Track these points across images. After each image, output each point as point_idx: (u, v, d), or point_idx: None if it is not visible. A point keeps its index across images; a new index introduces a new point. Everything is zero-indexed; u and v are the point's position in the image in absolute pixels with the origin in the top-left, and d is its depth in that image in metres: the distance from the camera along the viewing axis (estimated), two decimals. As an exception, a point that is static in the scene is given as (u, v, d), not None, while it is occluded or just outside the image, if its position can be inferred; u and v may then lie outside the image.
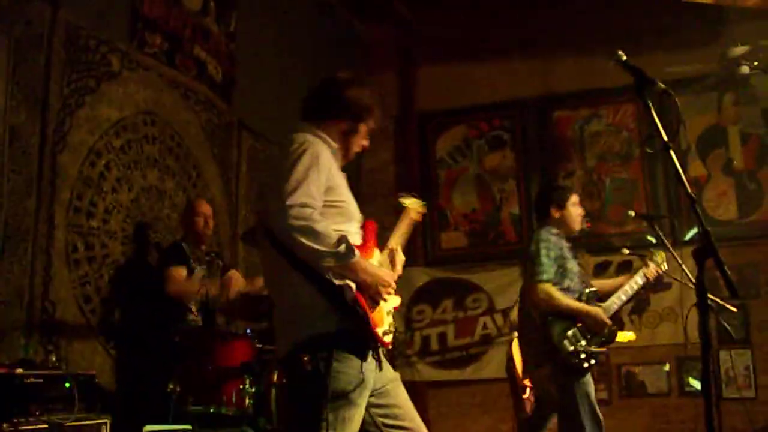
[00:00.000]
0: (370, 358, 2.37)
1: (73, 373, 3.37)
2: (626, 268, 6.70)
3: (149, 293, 4.29)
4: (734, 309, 4.30)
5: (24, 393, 3.11)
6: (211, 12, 5.39)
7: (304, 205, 2.23)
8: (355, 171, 7.35)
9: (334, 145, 2.52)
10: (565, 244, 3.95)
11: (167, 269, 4.19)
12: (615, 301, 3.93)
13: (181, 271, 4.21)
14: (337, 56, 7.15)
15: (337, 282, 2.28)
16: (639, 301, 4.16)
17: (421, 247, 7.46)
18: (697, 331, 1.92)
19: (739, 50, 6.05)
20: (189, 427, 3.63)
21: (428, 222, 7.65)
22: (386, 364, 2.52)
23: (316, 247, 2.21)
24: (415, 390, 7.37)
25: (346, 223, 2.44)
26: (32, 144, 3.86)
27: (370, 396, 2.40)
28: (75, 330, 4.01)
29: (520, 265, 5.65)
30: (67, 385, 3.29)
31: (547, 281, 3.76)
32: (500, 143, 7.77)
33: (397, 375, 2.56)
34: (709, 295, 1.92)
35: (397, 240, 2.74)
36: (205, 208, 4.53)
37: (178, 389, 3.67)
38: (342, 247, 2.24)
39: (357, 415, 2.33)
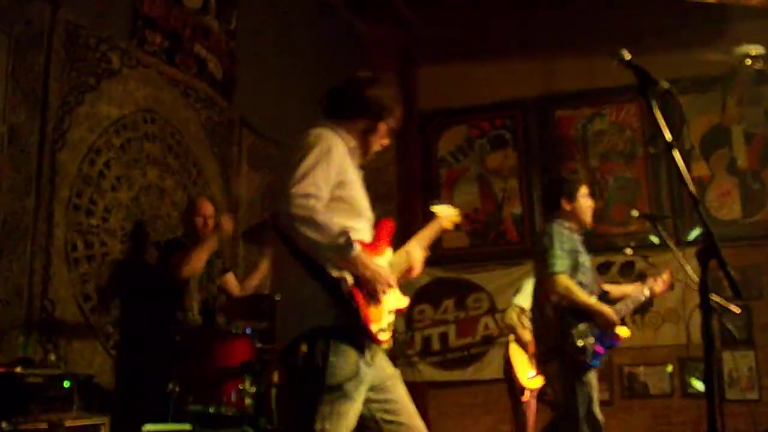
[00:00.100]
0: (367, 353, 2.37)
1: (72, 373, 3.36)
2: (629, 269, 6.71)
3: (149, 292, 4.28)
4: (737, 310, 4.28)
5: (23, 392, 3.11)
6: (211, 10, 5.38)
7: (307, 196, 2.24)
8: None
9: (352, 142, 2.54)
10: (576, 237, 3.94)
11: (174, 254, 4.16)
12: (622, 308, 3.92)
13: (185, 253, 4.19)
14: (337, 55, 7.14)
15: (334, 274, 2.28)
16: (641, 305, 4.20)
17: (422, 247, 7.45)
18: (699, 332, 1.90)
19: (748, 49, 6.02)
20: (188, 426, 3.62)
21: (428, 221, 7.64)
22: (385, 361, 2.53)
23: (316, 237, 2.22)
24: (416, 390, 7.35)
25: (355, 219, 2.45)
26: (31, 142, 3.84)
27: (369, 391, 2.40)
28: (74, 329, 4.00)
29: (533, 263, 5.63)
30: (67, 384, 3.28)
31: (564, 273, 3.74)
32: (502, 143, 7.76)
33: (396, 372, 2.56)
34: (712, 296, 1.90)
35: (416, 242, 2.78)
36: (207, 208, 4.52)
37: (177, 389, 3.66)
38: (342, 240, 2.24)
39: (352, 411, 2.33)
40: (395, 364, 5.70)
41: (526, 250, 7.26)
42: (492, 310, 7.28)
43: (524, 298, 5.35)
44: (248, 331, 3.97)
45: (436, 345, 7.48)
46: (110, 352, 4.21)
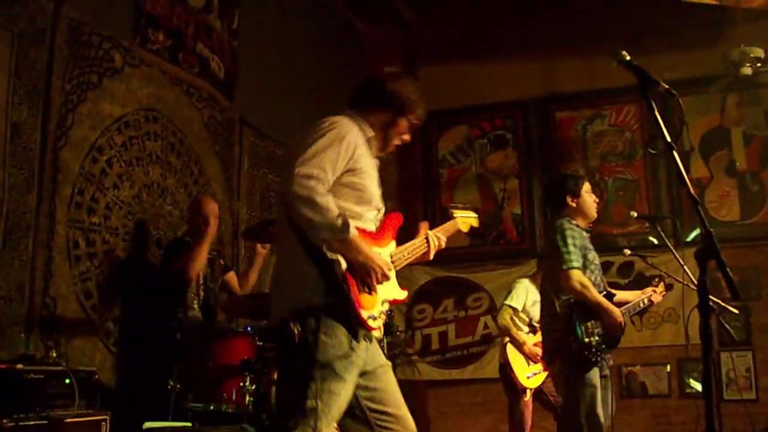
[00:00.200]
0: (361, 338, 2.39)
1: (73, 369, 3.36)
2: (628, 269, 6.71)
3: (150, 290, 4.29)
4: (736, 311, 4.31)
5: (24, 389, 3.11)
6: (214, 9, 5.39)
7: (310, 176, 2.28)
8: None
9: (370, 132, 2.58)
10: (585, 234, 3.95)
11: (176, 264, 4.17)
12: (624, 312, 3.94)
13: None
14: (337, 55, 7.15)
15: (329, 255, 2.31)
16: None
17: (422, 246, 7.45)
18: (698, 333, 1.91)
19: (746, 51, 6.03)
20: (189, 424, 3.63)
21: (429, 221, 7.65)
22: (378, 350, 2.56)
23: (313, 216, 2.26)
24: (415, 389, 7.37)
25: (362, 206, 2.49)
26: (34, 140, 3.85)
27: (360, 377, 2.43)
28: (75, 326, 4.01)
29: (541, 261, 5.64)
30: (68, 381, 3.28)
31: (578, 268, 3.75)
32: (502, 143, 7.77)
33: (388, 362, 2.59)
34: (711, 297, 1.92)
35: (439, 231, 2.87)
36: (209, 207, 4.53)
37: (178, 386, 3.67)
38: (338, 221, 2.27)
39: (344, 391, 2.35)
40: (395, 363, 5.71)
41: (525, 250, 7.29)
42: (492, 310, 7.28)
43: (516, 299, 5.35)
44: (249, 329, 3.99)
45: (435, 344, 7.49)
46: (111, 349, 4.23)
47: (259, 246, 4.71)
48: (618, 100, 7.32)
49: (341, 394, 2.34)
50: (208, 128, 5.29)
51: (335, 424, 2.38)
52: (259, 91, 5.85)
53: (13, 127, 3.73)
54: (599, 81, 7.08)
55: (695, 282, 1.96)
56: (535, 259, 6.02)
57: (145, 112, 4.67)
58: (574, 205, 3.99)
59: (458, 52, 7.76)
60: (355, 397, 2.43)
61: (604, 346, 3.74)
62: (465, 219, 3.13)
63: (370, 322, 2.39)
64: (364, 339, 2.43)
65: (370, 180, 2.53)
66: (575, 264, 3.75)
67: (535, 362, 5.27)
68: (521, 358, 5.27)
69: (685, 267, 4.08)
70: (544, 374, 5.30)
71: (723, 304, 4.06)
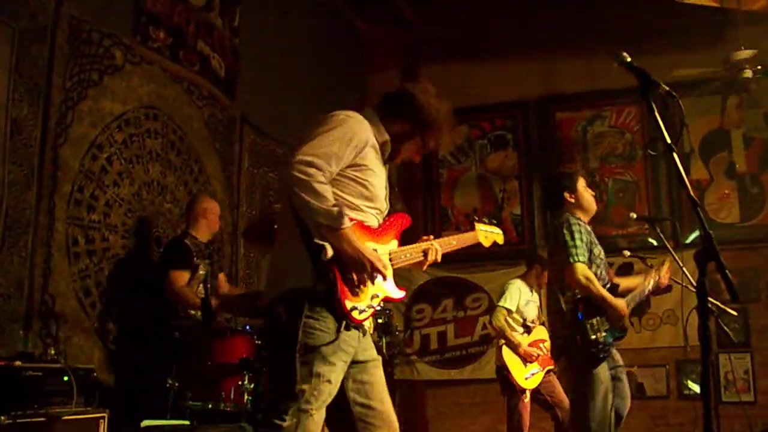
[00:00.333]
0: (349, 325, 2.40)
1: (71, 367, 3.36)
2: (627, 270, 6.71)
3: (150, 288, 4.29)
4: (734, 313, 4.30)
5: (22, 386, 3.11)
6: (215, 7, 5.39)
7: (311, 164, 2.29)
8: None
9: (385, 136, 2.58)
10: (589, 228, 3.96)
11: (169, 272, 4.19)
12: (630, 301, 3.93)
13: (184, 276, 4.22)
14: (338, 54, 7.16)
15: (317, 240, 2.32)
16: (639, 304, 4.19)
17: (421, 246, 7.45)
18: (696, 334, 1.91)
19: (745, 54, 6.03)
20: (187, 422, 3.63)
21: (429, 221, 7.66)
22: (371, 344, 2.58)
23: (309, 200, 2.27)
24: (414, 389, 7.38)
25: (365, 202, 2.50)
26: (34, 136, 3.85)
27: (350, 367, 2.44)
28: (74, 323, 4.01)
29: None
30: (66, 378, 3.28)
31: (584, 262, 3.75)
32: (503, 143, 7.77)
33: (379, 358, 2.61)
34: (710, 299, 1.92)
35: (440, 241, 2.82)
36: (209, 203, 4.54)
37: (176, 384, 3.67)
38: (334, 209, 2.28)
39: (333, 375, 2.36)
40: (394, 363, 5.69)
41: (525, 250, 7.28)
42: (491, 310, 7.28)
43: (510, 300, 5.35)
44: (247, 328, 3.99)
45: (434, 344, 7.49)
46: (110, 347, 4.23)
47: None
48: (618, 102, 7.33)
49: (331, 379, 2.35)
50: (208, 126, 5.29)
51: (324, 410, 2.38)
52: (260, 89, 5.85)
53: (14, 123, 3.73)
54: (599, 82, 7.08)
55: (694, 284, 1.96)
56: (524, 260, 6.00)
57: (146, 109, 4.67)
58: (573, 200, 4.00)
59: (459, 51, 7.76)
60: (342, 389, 2.44)
61: (611, 340, 3.74)
62: (489, 234, 3.11)
63: (355, 314, 2.39)
64: (355, 328, 2.44)
65: (377, 179, 2.52)
66: (581, 258, 3.74)
67: (531, 362, 5.27)
68: (518, 360, 5.27)
69: (685, 269, 4.08)
70: (542, 374, 5.31)
71: (722, 306, 4.05)
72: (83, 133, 4.16)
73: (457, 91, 7.71)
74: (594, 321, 3.71)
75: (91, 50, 4.25)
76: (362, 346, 2.51)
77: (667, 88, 2.10)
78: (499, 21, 7.45)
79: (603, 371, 3.72)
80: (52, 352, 3.53)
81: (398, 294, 2.64)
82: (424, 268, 2.80)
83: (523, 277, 5.53)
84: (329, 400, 2.38)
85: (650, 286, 4.05)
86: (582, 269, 3.74)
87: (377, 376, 2.55)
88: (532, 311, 5.46)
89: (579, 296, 3.77)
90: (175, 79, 4.95)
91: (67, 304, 3.98)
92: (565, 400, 5.33)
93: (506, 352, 5.29)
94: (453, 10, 7.43)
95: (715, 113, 7.12)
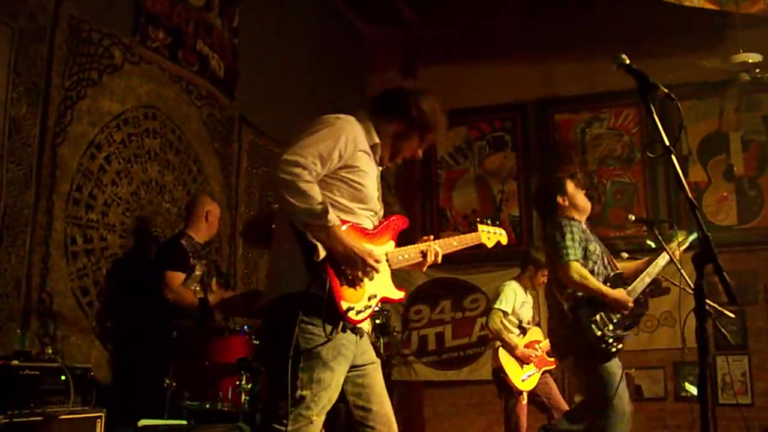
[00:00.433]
0: (349, 331, 2.40)
1: (69, 366, 3.36)
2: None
3: (147, 288, 4.29)
4: (732, 315, 4.30)
5: (19, 385, 3.11)
6: (214, 7, 5.39)
7: (296, 164, 2.30)
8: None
9: (376, 139, 2.58)
10: (584, 226, 3.98)
11: (166, 273, 4.18)
12: (639, 284, 3.93)
13: (180, 276, 4.21)
14: (338, 55, 7.16)
15: (309, 239, 2.32)
16: (656, 283, 4.17)
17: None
18: (694, 336, 1.92)
19: (745, 57, 6.03)
20: (184, 422, 3.63)
21: (428, 222, 7.66)
22: (369, 346, 2.58)
23: (293, 201, 2.28)
24: (411, 390, 7.37)
25: (357, 203, 2.50)
26: (32, 135, 3.85)
27: (349, 371, 2.44)
28: (72, 323, 4.00)
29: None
30: (63, 377, 3.28)
31: (576, 260, 3.77)
32: (501, 145, 7.77)
33: (377, 360, 2.61)
34: (707, 301, 1.92)
35: (440, 242, 2.80)
36: (209, 208, 4.53)
37: (174, 384, 3.67)
38: (318, 208, 2.28)
39: (334, 381, 2.36)
40: (391, 363, 5.68)
41: (523, 252, 7.28)
42: (488, 312, 7.28)
43: (506, 302, 5.35)
44: (245, 328, 3.99)
45: (432, 345, 7.49)
46: (107, 346, 4.22)
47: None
48: (617, 104, 7.33)
49: (331, 384, 2.35)
50: (207, 126, 5.28)
51: (324, 416, 2.38)
52: (259, 89, 5.85)
53: (12, 122, 3.73)
54: (598, 84, 7.08)
55: (692, 286, 1.96)
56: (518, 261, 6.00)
57: (145, 109, 4.67)
58: (566, 203, 4.04)
59: (458, 52, 7.76)
60: (342, 392, 2.44)
61: (620, 331, 3.74)
62: (491, 234, 3.11)
63: (351, 315, 2.38)
64: (352, 332, 2.43)
65: (369, 181, 2.52)
66: (572, 257, 3.77)
67: (528, 364, 5.27)
68: (514, 362, 5.27)
69: (682, 271, 4.08)
70: (538, 376, 5.31)
71: (719, 308, 4.05)
72: (82, 133, 4.16)
73: (456, 92, 7.75)
74: (597, 317, 3.71)
75: (90, 50, 4.24)
76: (360, 349, 2.50)
77: (666, 91, 2.11)
78: (499, 22, 7.45)
79: (614, 364, 3.72)
80: (50, 351, 3.52)
81: (397, 294, 2.63)
82: (424, 269, 2.79)
83: (518, 279, 5.53)
84: (329, 406, 2.38)
85: (662, 262, 4.02)
86: (575, 267, 3.76)
87: (376, 379, 2.55)
88: (527, 312, 5.47)
89: (578, 294, 3.78)
90: (174, 79, 4.95)
91: (64, 303, 3.98)
92: (562, 402, 5.34)
93: (503, 354, 5.29)
94: (453, 10, 7.43)
95: (714, 116, 7.12)
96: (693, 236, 4.16)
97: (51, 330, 3.84)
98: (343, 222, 2.41)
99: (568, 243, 3.81)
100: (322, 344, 2.31)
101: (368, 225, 2.55)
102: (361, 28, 7.81)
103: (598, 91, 7.22)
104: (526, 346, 5.33)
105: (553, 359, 5.17)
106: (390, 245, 2.64)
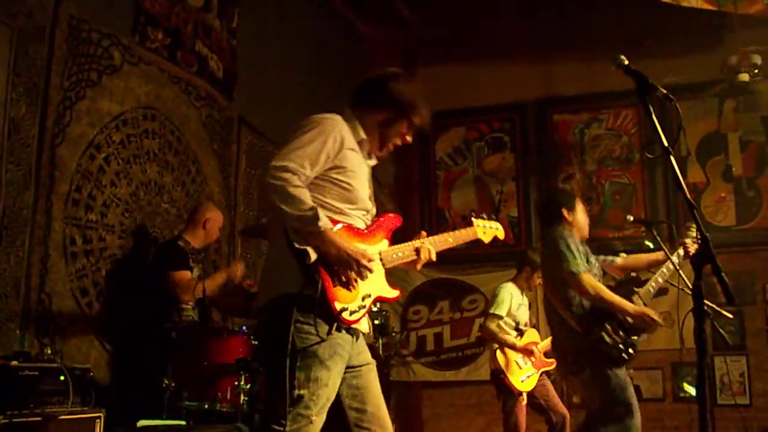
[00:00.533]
0: (343, 330, 2.40)
1: (68, 367, 3.35)
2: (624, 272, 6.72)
3: (147, 288, 4.29)
4: (730, 316, 4.30)
5: (19, 385, 3.10)
6: (213, 8, 5.39)
7: (285, 169, 2.31)
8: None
9: (363, 134, 2.58)
10: (580, 241, 3.97)
11: (172, 275, 4.18)
12: (653, 285, 3.92)
13: (187, 275, 4.22)
14: (337, 55, 7.15)
15: (297, 245, 2.32)
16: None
17: (418, 248, 7.44)
18: (692, 337, 1.92)
19: (747, 58, 6.04)
20: (183, 422, 3.63)
21: (426, 223, 7.66)
22: (365, 347, 2.57)
23: (284, 207, 2.29)
24: (410, 390, 7.38)
25: (348, 204, 2.49)
26: (32, 136, 3.85)
27: (344, 372, 2.44)
28: (71, 323, 4.00)
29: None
30: (62, 378, 3.27)
31: (585, 272, 3.73)
32: (500, 145, 7.78)
33: (373, 361, 2.60)
34: (706, 302, 1.92)
35: (434, 239, 2.78)
36: (211, 215, 4.53)
37: (173, 385, 3.67)
38: (309, 213, 2.28)
39: (331, 380, 2.36)
40: (390, 364, 5.67)
41: (520, 253, 7.29)
42: (487, 313, 7.29)
43: (501, 306, 5.34)
44: (244, 328, 3.99)
45: (430, 345, 7.49)
46: (106, 346, 4.22)
47: (236, 267, 4.55)
48: (616, 104, 7.34)
49: (328, 384, 2.35)
50: (206, 127, 5.29)
51: (324, 416, 2.37)
52: (258, 90, 5.85)
53: (11, 123, 3.73)
54: (598, 84, 7.09)
55: (690, 286, 1.96)
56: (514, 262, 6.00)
57: (144, 110, 4.67)
58: (570, 218, 4.02)
59: (457, 53, 7.77)
60: (338, 394, 2.44)
61: (634, 337, 3.73)
62: (488, 229, 3.06)
63: (345, 315, 2.38)
64: (348, 332, 2.43)
65: (358, 181, 2.52)
66: (582, 268, 3.73)
67: (530, 357, 5.27)
68: (514, 363, 5.27)
69: (681, 271, 4.09)
70: (537, 377, 5.31)
71: (718, 308, 4.06)
72: (81, 133, 4.16)
73: (456, 93, 7.77)
74: (608, 326, 3.70)
75: (90, 50, 4.24)
76: (356, 350, 2.50)
77: (665, 91, 2.11)
78: (499, 22, 7.46)
79: (625, 374, 3.74)
80: (49, 351, 3.52)
81: (392, 293, 2.62)
82: (419, 267, 2.77)
83: (514, 280, 5.52)
84: (328, 405, 2.37)
85: (676, 259, 4.00)
86: (588, 279, 3.72)
87: (371, 380, 2.55)
88: (523, 314, 5.47)
89: (584, 305, 3.76)
90: (173, 80, 4.95)
91: (63, 303, 3.97)
92: (560, 404, 5.34)
93: (501, 355, 5.29)
94: (452, 11, 7.44)
95: (712, 116, 7.14)
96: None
97: (50, 330, 3.85)
98: (335, 222, 2.40)
99: (574, 253, 3.77)
100: (317, 343, 2.32)
101: (360, 225, 2.55)
102: (361, 29, 7.81)
103: (597, 91, 7.23)
104: (526, 346, 5.33)
105: (551, 360, 5.17)
106: (384, 244, 2.63)
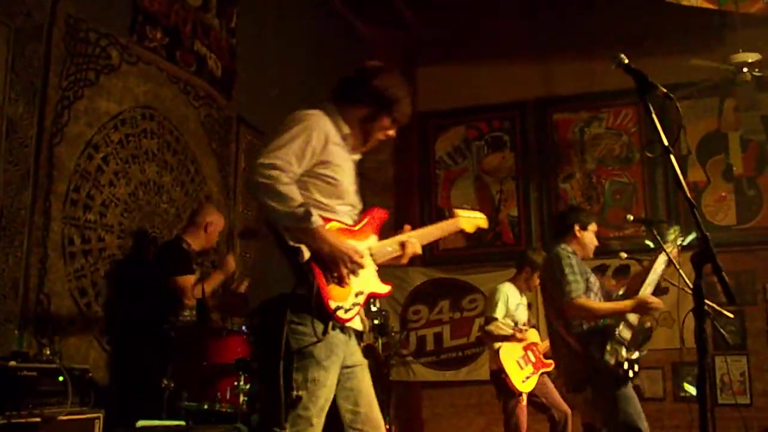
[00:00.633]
0: (338, 330, 2.38)
1: (67, 367, 3.35)
2: (623, 273, 6.72)
3: (146, 288, 4.28)
4: (731, 315, 4.29)
5: (17, 386, 3.10)
6: (212, 7, 5.39)
7: (273, 166, 2.29)
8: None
9: (346, 129, 2.55)
10: (581, 260, 3.94)
11: (176, 280, 4.17)
12: (647, 289, 3.91)
13: (191, 280, 4.21)
14: (337, 55, 7.14)
15: (290, 243, 2.30)
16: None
17: (418, 247, 7.44)
18: (693, 337, 1.91)
19: (744, 57, 6.03)
20: (182, 423, 3.62)
21: (426, 222, 7.65)
22: (357, 347, 2.55)
23: (274, 205, 2.26)
24: (409, 390, 7.37)
25: (335, 199, 2.47)
26: (30, 136, 3.84)
27: (339, 372, 2.42)
28: (70, 323, 4.00)
29: (519, 265, 5.61)
30: (61, 378, 3.27)
31: (579, 295, 3.72)
32: (500, 144, 7.77)
33: (365, 361, 2.58)
34: (706, 301, 1.91)
35: (418, 233, 2.74)
36: (212, 219, 4.52)
37: (172, 385, 3.67)
38: (300, 210, 2.26)
39: (328, 381, 2.34)
40: (390, 363, 5.65)
41: (520, 252, 7.29)
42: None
43: (499, 308, 5.32)
44: (243, 328, 3.98)
45: (430, 345, 7.48)
46: (105, 347, 4.21)
47: (228, 261, 4.56)
48: (616, 103, 7.33)
49: (326, 384, 2.34)
50: (204, 126, 5.28)
51: (323, 417, 2.36)
52: (257, 90, 5.84)
53: (9, 123, 3.72)
54: (597, 83, 7.08)
55: (691, 286, 1.95)
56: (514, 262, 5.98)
57: (142, 109, 4.66)
58: (579, 235, 4.01)
59: (457, 53, 7.76)
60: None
61: (636, 354, 3.71)
62: (471, 219, 3.00)
63: (340, 314, 2.36)
64: (342, 332, 2.41)
65: (343, 175, 2.50)
66: (574, 293, 3.71)
67: (524, 340, 5.26)
68: (515, 363, 5.26)
69: (681, 271, 4.07)
70: (536, 377, 5.30)
71: (718, 308, 4.05)
72: (79, 133, 4.15)
73: (456, 92, 7.77)
74: (608, 347, 3.68)
75: (88, 49, 4.24)
76: (349, 350, 2.48)
77: (665, 90, 2.10)
78: (498, 22, 7.46)
79: (630, 388, 3.70)
80: (47, 352, 3.52)
81: (383, 289, 2.60)
82: (404, 261, 2.73)
83: (513, 280, 5.51)
84: (327, 406, 2.36)
85: (662, 265, 3.98)
86: (578, 303, 3.69)
87: (365, 381, 2.53)
88: (522, 314, 5.45)
89: (584, 328, 3.75)
90: (172, 79, 4.94)
91: (62, 304, 3.97)
92: (560, 401, 5.33)
93: (503, 355, 5.27)
94: (452, 11, 7.43)
95: (713, 116, 7.13)
96: (692, 236, 4.14)
97: (49, 331, 3.84)
98: (326, 220, 2.38)
99: (569, 278, 3.75)
100: (314, 344, 2.30)
101: (348, 220, 2.52)
102: (361, 29, 7.80)
103: (597, 90, 7.22)
104: (524, 348, 5.32)
105: (550, 361, 5.17)
106: (372, 239, 2.60)
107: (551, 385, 5.39)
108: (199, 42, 5.21)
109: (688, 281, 4.03)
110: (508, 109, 7.76)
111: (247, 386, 3.69)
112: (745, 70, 6.08)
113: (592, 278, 3.89)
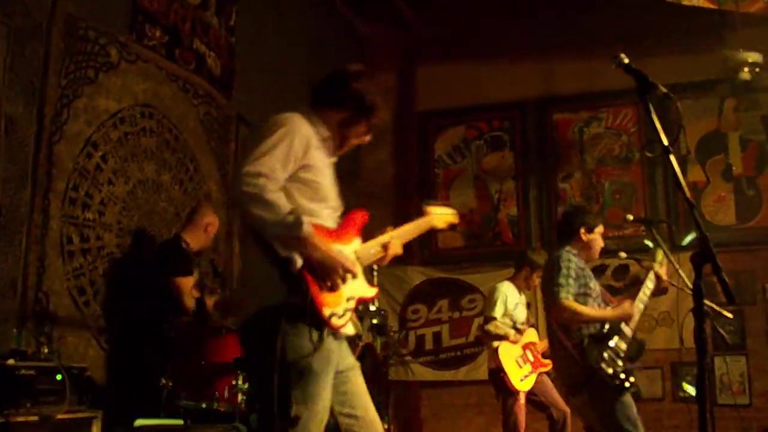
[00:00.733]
0: (331, 337, 2.35)
1: (65, 366, 3.35)
2: (623, 272, 6.72)
3: (144, 287, 4.28)
4: (730, 315, 4.28)
5: (15, 384, 3.10)
6: (211, 6, 5.38)
7: (258, 175, 2.24)
8: (353, 169, 7.34)
9: (325, 132, 2.53)
10: (584, 264, 3.93)
11: (176, 281, 4.16)
12: (636, 314, 3.90)
13: (190, 282, 4.20)
14: (336, 54, 7.14)
15: (282, 253, 2.26)
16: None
17: (417, 247, 7.45)
18: (692, 337, 1.91)
19: (747, 56, 6.03)
20: (181, 422, 3.62)
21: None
22: (348, 350, 2.54)
23: (262, 214, 2.22)
24: (408, 390, 7.37)
25: (318, 203, 2.45)
26: (29, 134, 3.84)
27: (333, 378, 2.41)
28: (68, 322, 3.99)
29: (517, 265, 5.61)
30: (59, 377, 3.27)
31: (567, 298, 3.71)
32: (499, 144, 7.77)
33: (357, 363, 2.56)
34: (706, 301, 1.91)
35: (398, 232, 2.72)
36: (211, 220, 4.51)
37: (170, 384, 3.66)
38: (290, 218, 2.22)
39: (324, 391, 2.32)
40: (388, 363, 5.65)
41: (520, 252, 7.29)
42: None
43: (498, 307, 5.32)
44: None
45: (429, 345, 7.48)
46: (103, 345, 4.21)
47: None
48: (615, 103, 7.33)
49: (323, 395, 2.31)
50: (203, 125, 5.27)
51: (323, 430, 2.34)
52: (257, 88, 5.84)
53: (9, 121, 3.72)
54: (598, 83, 7.07)
55: (690, 286, 1.95)
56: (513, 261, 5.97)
57: (141, 107, 4.66)
58: (585, 239, 3.97)
59: (457, 52, 7.76)
60: None
61: (631, 365, 3.71)
62: (441, 216, 2.98)
63: (334, 320, 2.34)
64: (335, 338, 2.39)
65: (324, 178, 2.47)
66: (562, 295, 3.70)
67: (524, 333, 5.25)
68: (514, 362, 5.26)
69: (680, 271, 4.07)
70: (535, 377, 5.30)
71: (718, 308, 4.04)
72: (78, 131, 4.15)
73: (455, 92, 7.77)
74: (606, 355, 3.67)
75: (87, 48, 4.23)
76: (342, 354, 2.46)
77: (665, 90, 2.10)
78: (498, 22, 7.45)
79: (628, 396, 3.69)
80: (46, 350, 3.52)
81: (371, 292, 2.60)
82: (386, 261, 2.71)
83: (512, 279, 5.50)
84: (326, 417, 2.33)
85: (650, 285, 3.99)
86: (565, 305, 3.68)
87: (358, 384, 2.51)
88: (521, 313, 5.45)
89: (583, 335, 3.74)
90: (171, 78, 4.94)
91: (61, 302, 3.96)
92: (559, 399, 5.32)
93: (502, 353, 5.27)
94: (452, 10, 7.42)
95: (713, 116, 7.12)
96: (691, 236, 4.14)
97: (47, 329, 3.83)
98: (314, 226, 2.33)
99: (561, 281, 3.74)
100: (310, 355, 2.26)
101: (332, 224, 2.50)
102: (361, 28, 7.80)
103: (597, 90, 7.21)
104: (523, 347, 5.32)
105: (549, 360, 5.16)
106: (356, 242, 2.58)
107: (550, 384, 5.39)
108: (198, 40, 5.21)
109: (687, 281, 4.03)
110: (508, 108, 7.76)
111: (245, 385, 3.68)
112: (745, 69, 6.08)
113: (593, 284, 3.87)
